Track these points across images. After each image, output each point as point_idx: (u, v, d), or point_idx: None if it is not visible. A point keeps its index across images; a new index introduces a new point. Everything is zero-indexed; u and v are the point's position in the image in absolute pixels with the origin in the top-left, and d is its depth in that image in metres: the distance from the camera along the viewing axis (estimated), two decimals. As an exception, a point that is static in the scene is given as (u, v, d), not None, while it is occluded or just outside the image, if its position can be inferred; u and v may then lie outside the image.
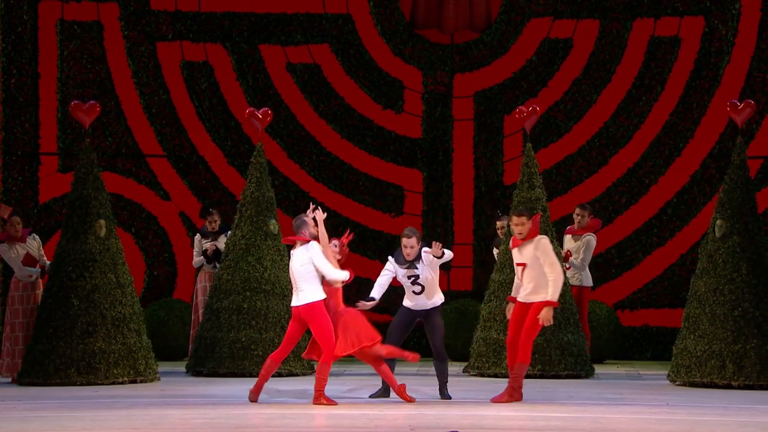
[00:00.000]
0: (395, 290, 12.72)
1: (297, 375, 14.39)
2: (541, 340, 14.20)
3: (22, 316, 13.90)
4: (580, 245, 15.05)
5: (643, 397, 12.05)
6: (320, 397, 11.52)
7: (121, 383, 13.43)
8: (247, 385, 13.45)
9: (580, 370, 14.38)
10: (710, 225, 13.72)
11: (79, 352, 13.35)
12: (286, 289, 14.58)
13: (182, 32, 17.89)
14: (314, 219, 11.84)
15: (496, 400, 11.75)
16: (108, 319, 13.46)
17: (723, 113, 14.95)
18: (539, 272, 11.76)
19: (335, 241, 11.99)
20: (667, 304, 17.39)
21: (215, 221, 15.44)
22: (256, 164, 14.78)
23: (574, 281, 15.02)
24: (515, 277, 12.05)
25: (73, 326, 13.40)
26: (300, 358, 14.50)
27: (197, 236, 15.56)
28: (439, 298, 12.21)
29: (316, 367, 11.80)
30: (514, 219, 11.89)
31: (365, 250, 17.74)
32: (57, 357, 13.37)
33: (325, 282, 11.70)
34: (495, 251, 15.26)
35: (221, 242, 15.28)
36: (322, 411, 11.16)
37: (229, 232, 15.23)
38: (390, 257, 12.16)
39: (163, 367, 14.53)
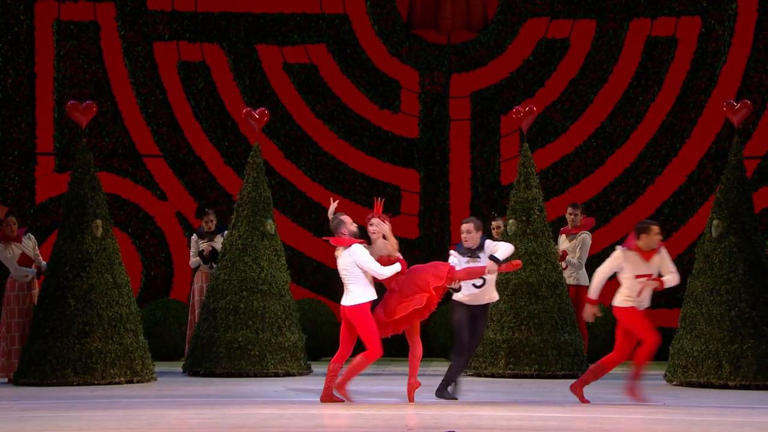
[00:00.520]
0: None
1: (294, 375, 14.38)
2: (538, 340, 14.21)
3: (18, 316, 13.89)
4: (576, 244, 15.06)
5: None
6: (329, 396, 11.54)
7: (118, 383, 13.42)
8: (243, 385, 13.46)
9: (577, 370, 14.38)
10: (707, 225, 13.73)
11: (75, 352, 13.34)
12: (282, 289, 14.58)
13: (179, 32, 17.89)
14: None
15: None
16: (105, 319, 13.45)
17: (720, 113, 14.97)
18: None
19: (373, 219, 11.65)
20: (663, 304, 17.39)
21: (211, 221, 15.42)
22: (253, 164, 14.78)
23: (571, 281, 15.02)
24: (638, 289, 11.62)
25: (69, 326, 13.39)
26: (297, 358, 14.49)
27: (193, 237, 15.55)
28: (495, 295, 11.94)
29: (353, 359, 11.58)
30: (657, 230, 11.65)
31: (362, 250, 17.74)
32: (53, 357, 13.36)
33: (384, 259, 11.44)
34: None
35: (218, 242, 15.27)
36: (320, 411, 11.15)
37: (226, 232, 15.22)
38: (452, 250, 11.97)
39: (159, 367, 14.52)
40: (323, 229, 17.91)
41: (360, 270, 11.43)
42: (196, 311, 15.16)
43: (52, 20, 17.82)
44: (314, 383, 13.77)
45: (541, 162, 17.01)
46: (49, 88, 17.78)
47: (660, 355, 16.31)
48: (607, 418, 10.79)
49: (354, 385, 13.59)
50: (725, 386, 13.23)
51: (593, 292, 11.80)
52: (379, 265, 11.43)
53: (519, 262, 11.74)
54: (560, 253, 14.94)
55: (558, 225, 15.67)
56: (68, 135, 17.69)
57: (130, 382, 13.51)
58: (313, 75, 17.96)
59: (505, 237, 14.57)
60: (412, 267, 11.65)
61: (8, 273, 14.03)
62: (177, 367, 15.08)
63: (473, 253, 11.78)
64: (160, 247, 17.82)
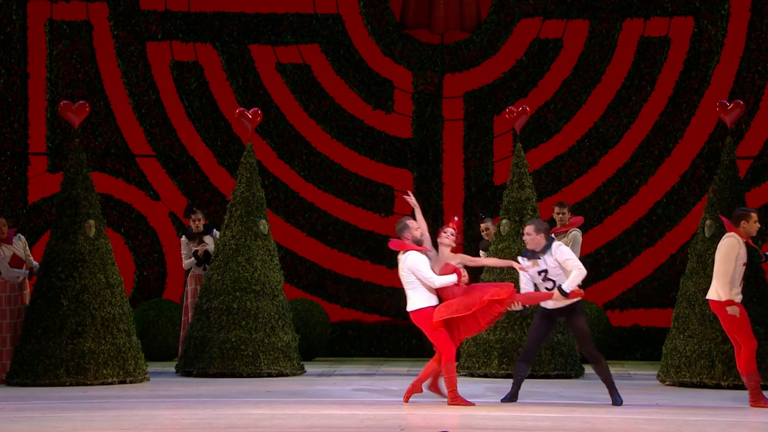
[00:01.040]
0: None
1: (287, 375, 14.37)
2: (531, 340, 14.20)
3: (9, 317, 13.86)
4: (567, 242, 15.05)
5: (632, 397, 12.06)
6: (456, 398, 11.42)
7: (111, 384, 13.40)
8: (236, 385, 13.44)
9: (570, 371, 14.39)
10: (700, 225, 13.74)
11: (68, 352, 13.33)
12: (276, 289, 14.58)
13: (172, 32, 17.87)
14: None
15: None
16: (97, 319, 13.43)
17: (712, 113, 14.96)
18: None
19: (448, 229, 11.67)
20: (656, 304, 17.41)
21: (199, 220, 15.33)
22: (246, 164, 14.77)
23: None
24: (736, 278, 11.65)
25: (62, 326, 13.37)
26: (290, 358, 14.49)
27: (183, 239, 15.45)
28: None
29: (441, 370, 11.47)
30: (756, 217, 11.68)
31: (355, 250, 17.74)
32: (46, 357, 13.34)
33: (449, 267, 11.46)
34: (482, 254, 15.24)
35: (210, 243, 15.24)
36: (313, 411, 11.14)
37: (216, 232, 15.20)
38: (520, 256, 11.86)
39: (152, 367, 14.51)
40: (316, 229, 17.93)
41: (414, 277, 11.40)
42: (189, 313, 15.13)
43: (44, 20, 17.80)
44: (307, 383, 13.76)
45: (534, 162, 17.01)
46: (41, 88, 17.76)
47: (653, 355, 16.37)
48: (600, 418, 10.79)
49: (347, 385, 13.57)
50: (718, 386, 13.24)
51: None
52: (431, 273, 11.42)
53: (582, 291, 11.62)
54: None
55: (552, 225, 15.67)
56: (61, 135, 17.66)
57: (123, 382, 13.49)
58: (307, 75, 17.95)
59: (498, 237, 14.58)
60: (473, 284, 11.65)
61: (-1, 274, 14.02)
62: (170, 367, 15.07)
63: (535, 255, 11.64)
64: (153, 248, 17.81)
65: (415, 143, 17.92)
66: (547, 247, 11.60)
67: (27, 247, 14.08)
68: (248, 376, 14.22)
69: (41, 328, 13.41)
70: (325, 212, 17.83)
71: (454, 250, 11.75)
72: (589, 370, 14.97)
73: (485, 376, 14.31)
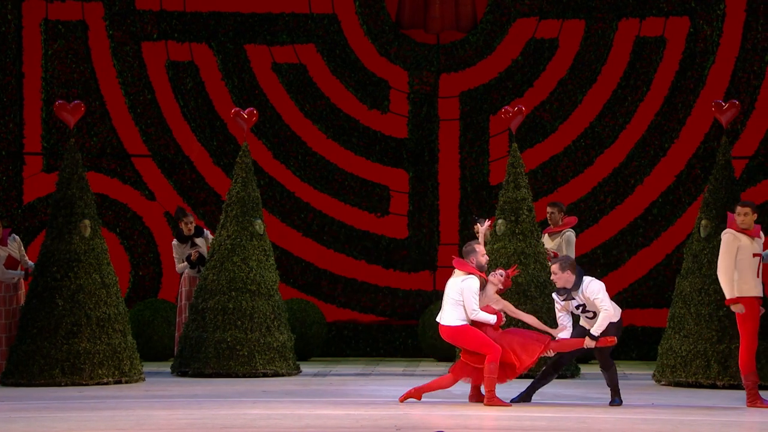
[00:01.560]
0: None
1: (283, 375, 14.36)
2: (526, 340, 14.19)
3: (4, 317, 13.84)
4: (560, 242, 15.04)
5: (628, 397, 12.05)
6: (493, 398, 11.49)
7: (106, 384, 13.39)
8: (232, 385, 13.44)
9: (566, 371, 14.37)
10: (695, 225, 13.74)
11: (63, 352, 13.31)
12: (271, 289, 14.56)
13: (167, 32, 17.85)
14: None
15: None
16: (93, 319, 13.42)
17: (708, 113, 14.98)
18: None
19: (501, 271, 11.93)
20: (652, 304, 17.41)
21: (190, 222, 15.30)
22: (242, 164, 14.76)
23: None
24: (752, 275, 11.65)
25: (57, 326, 13.36)
26: (286, 358, 14.48)
27: (174, 242, 15.40)
28: (617, 313, 11.69)
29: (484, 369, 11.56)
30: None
31: (351, 250, 17.73)
32: (41, 357, 13.33)
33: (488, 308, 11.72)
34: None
35: (203, 246, 15.21)
36: (308, 411, 11.13)
37: (208, 233, 15.19)
38: (554, 293, 11.86)
39: (148, 367, 14.49)
40: (312, 229, 17.91)
41: (461, 298, 11.57)
42: (184, 314, 15.12)
43: (39, 20, 17.78)
44: (303, 383, 13.76)
45: (530, 162, 17.01)
46: (36, 88, 17.73)
47: (649, 355, 16.37)
48: (595, 418, 10.79)
49: (343, 385, 13.56)
50: (713, 386, 13.24)
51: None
52: (477, 305, 11.61)
53: (614, 339, 11.64)
54: (550, 254, 14.93)
55: (547, 225, 15.67)
56: (56, 135, 17.64)
57: (119, 382, 13.48)
58: (302, 75, 17.94)
59: (494, 237, 14.57)
60: (509, 329, 11.88)
61: (-6, 275, 13.99)
62: (165, 367, 15.06)
63: (568, 294, 11.67)
64: (149, 248, 17.79)
65: (410, 143, 17.92)
66: (578, 284, 11.63)
67: (22, 247, 14.06)
68: (244, 376, 14.21)
69: (36, 328, 13.40)
70: (320, 212, 17.82)
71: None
72: (585, 370, 14.99)
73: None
